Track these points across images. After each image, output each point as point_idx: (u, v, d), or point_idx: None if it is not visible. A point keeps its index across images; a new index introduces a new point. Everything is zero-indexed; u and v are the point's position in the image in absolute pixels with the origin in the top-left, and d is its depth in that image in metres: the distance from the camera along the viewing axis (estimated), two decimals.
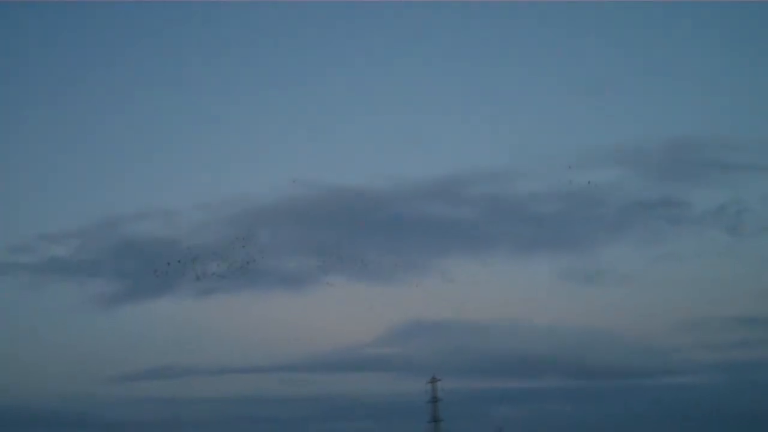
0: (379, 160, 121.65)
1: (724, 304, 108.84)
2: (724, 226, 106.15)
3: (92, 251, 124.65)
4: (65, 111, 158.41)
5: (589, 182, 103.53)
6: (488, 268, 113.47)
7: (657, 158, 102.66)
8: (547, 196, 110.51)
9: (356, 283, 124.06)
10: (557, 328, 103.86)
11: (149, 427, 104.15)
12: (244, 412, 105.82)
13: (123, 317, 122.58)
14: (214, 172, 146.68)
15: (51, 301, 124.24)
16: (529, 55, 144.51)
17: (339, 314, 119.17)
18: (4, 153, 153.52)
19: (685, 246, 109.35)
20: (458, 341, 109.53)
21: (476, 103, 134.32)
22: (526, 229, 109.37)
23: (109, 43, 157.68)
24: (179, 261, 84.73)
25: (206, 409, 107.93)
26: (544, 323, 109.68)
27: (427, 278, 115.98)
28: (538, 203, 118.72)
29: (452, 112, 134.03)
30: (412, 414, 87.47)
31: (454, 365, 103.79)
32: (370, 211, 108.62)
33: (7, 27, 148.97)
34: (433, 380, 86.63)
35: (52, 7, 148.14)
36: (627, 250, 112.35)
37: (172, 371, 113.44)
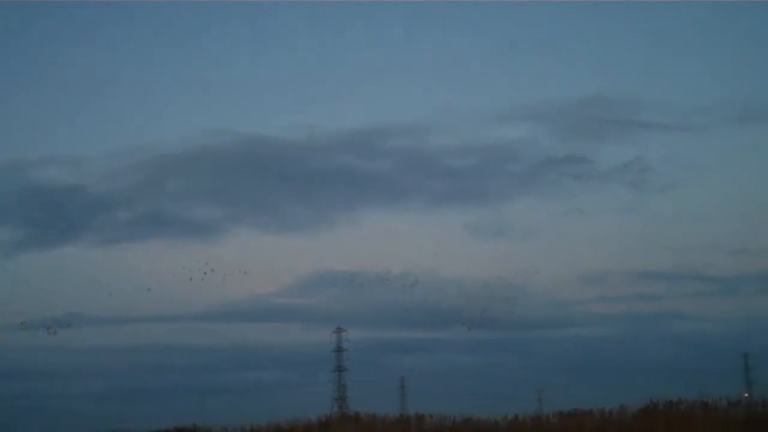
0: (294, 111, 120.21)
1: (625, 258, 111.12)
2: (628, 183, 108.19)
3: None
4: None
5: (500, 138, 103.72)
6: (400, 220, 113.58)
7: (566, 116, 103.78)
8: (460, 150, 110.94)
9: (267, 233, 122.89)
10: (464, 279, 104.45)
11: (52, 376, 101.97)
12: (153, 361, 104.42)
13: (27, 265, 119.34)
14: (124, 120, 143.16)
15: None
16: (447, 14, 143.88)
17: (249, 264, 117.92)
18: None
19: (589, 201, 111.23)
20: (366, 292, 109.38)
21: (393, 58, 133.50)
22: (438, 183, 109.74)
23: None
24: (86, 208, 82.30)
25: (113, 358, 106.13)
26: (451, 275, 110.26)
27: (338, 229, 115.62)
28: (451, 158, 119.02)
29: (369, 65, 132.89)
30: (318, 363, 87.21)
31: (361, 316, 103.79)
32: (283, 162, 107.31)
33: None
34: (339, 330, 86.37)
35: None
36: (534, 204, 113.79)
37: (76, 320, 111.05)
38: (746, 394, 41.33)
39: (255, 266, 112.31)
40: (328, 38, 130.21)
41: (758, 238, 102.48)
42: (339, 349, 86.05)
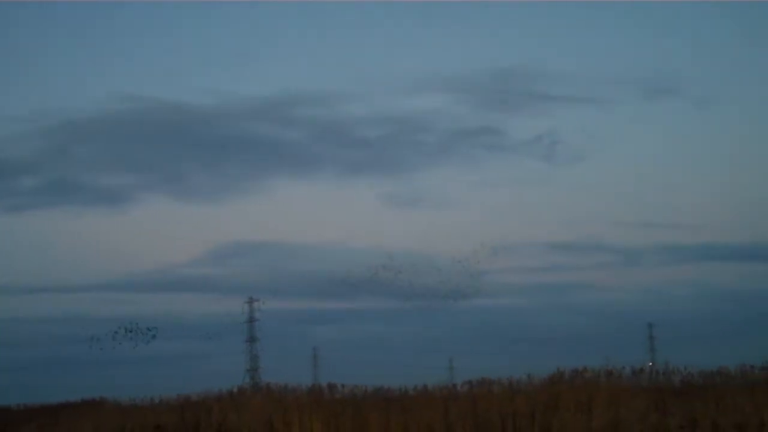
0: (205, 77, 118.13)
1: (534, 229, 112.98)
2: (539, 155, 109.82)
3: None
4: None
5: (413, 109, 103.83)
6: (311, 189, 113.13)
7: (479, 88, 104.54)
8: (372, 120, 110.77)
9: (177, 201, 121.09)
10: (377, 249, 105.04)
11: None
12: (60, 332, 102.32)
13: None
14: (29, 84, 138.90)
15: None
16: None
17: (158, 233, 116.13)
18: None
19: (501, 173, 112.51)
20: (279, 262, 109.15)
21: (305, 25, 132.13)
22: (350, 153, 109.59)
23: None
24: None
25: (17, 329, 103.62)
26: (364, 245, 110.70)
27: (250, 198, 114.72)
28: (363, 127, 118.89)
29: (281, 32, 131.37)
30: (230, 334, 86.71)
31: (274, 286, 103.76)
32: (192, 129, 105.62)
33: None
34: (251, 301, 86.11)
35: None
36: (447, 175, 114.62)
37: None
38: (650, 363, 42.51)
39: (165, 235, 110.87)
40: (239, 3, 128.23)
41: (663, 210, 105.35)
42: (251, 320, 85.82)
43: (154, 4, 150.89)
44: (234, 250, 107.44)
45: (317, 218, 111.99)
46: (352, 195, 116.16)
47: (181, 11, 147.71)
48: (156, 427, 37.89)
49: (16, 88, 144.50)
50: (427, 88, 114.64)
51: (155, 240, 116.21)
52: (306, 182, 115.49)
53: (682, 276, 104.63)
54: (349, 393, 39.42)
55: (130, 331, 64.32)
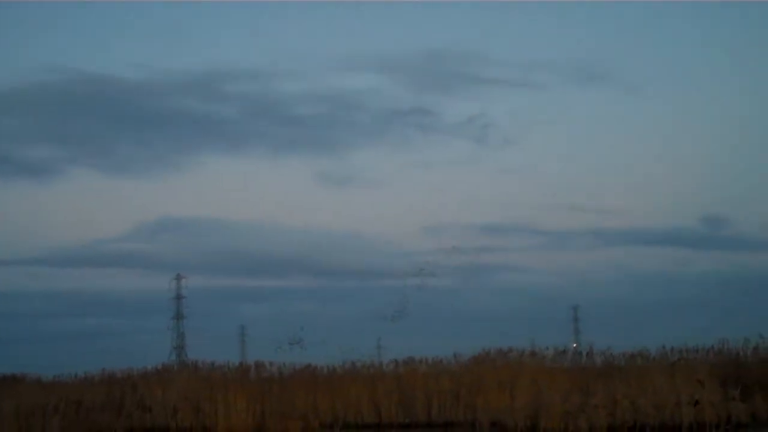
0: (134, 50, 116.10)
1: (465, 211, 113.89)
2: (471, 137, 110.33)
3: None
4: None
5: (348, 87, 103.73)
6: (243, 167, 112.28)
7: (413, 68, 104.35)
8: (306, 98, 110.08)
9: (104, 175, 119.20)
10: (308, 229, 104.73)
11: None
12: None
13: None
14: None
15: None
16: None
17: (85, 207, 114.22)
18: None
19: (434, 154, 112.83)
20: (208, 239, 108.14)
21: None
22: (283, 130, 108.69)
23: None
24: None
25: None
26: (295, 224, 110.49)
27: (180, 174, 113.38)
28: (297, 105, 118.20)
29: (213, 6, 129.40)
30: (156, 311, 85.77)
31: (202, 263, 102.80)
32: (122, 102, 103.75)
33: None
34: (179, 277, 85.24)
35: None
36: (381, 155, 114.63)
37: None
38: (574, 345, 43.24)
39: (92, 210, 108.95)
40: None
41: (591, 194, 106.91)
42: (178, 297, 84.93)
43: None
44: (162, 225, 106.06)
45: (248, 195, 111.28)
46: (285, 173, 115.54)
47: None
48: (78, 403, 37.34)
49: None
50: (362, 67, 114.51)
51: (82, 214, 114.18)
52: (238, 159, 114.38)
53: (608, 260, 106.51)
54: (277, 371, 39.36)
55: None
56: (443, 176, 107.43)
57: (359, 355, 40.31)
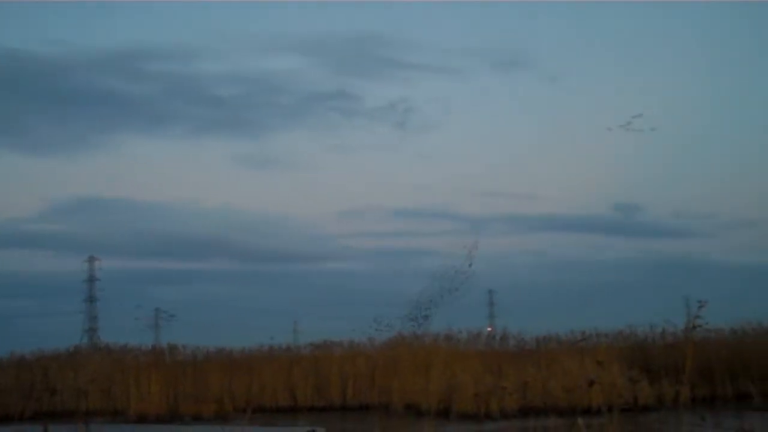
0: (50, 26, 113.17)
1: (384, 195, 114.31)
2: (392, 122, 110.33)
3: None
4: None
5: (269, 69, 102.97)
6: (162, 147, 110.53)
7: (335, 52, 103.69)
8: (227, 78, 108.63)
9: (18, 154, 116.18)
10: (227, 211, 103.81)
11: None
12: None
13: None
14: None
15: None
16: None
17: None
18: None
19: (355, 138, 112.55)
20: (124, 220, 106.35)
21: None
22: (203, 111, 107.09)
23: None
24: None
25: None
26: (214, 206, 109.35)
27: (96, 154, 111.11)
28: (217, 85, 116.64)
29: None
30: (69, 293, 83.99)
31: (118, 245, 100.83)
32: (36, 79, 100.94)
33: None
34: (91, 259, 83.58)
35: None
36: (301, 138, 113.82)
37: None
38: (489, 328, 43.86)
39: (5, 189, 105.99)
40: None
41: (508, 181, 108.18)
42: (91, 279, 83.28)
43: None
44: (77, 206, 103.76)
45: (166, 176, 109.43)
46: (204, 154, 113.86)
47: None
48: None
49: None
50: (284, 48, 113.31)
51: None
52: (156, 139, 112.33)
53: (524, 245, 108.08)
54: (191, 354, 39.03)
55: None
56: (364, 160, 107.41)
57: (275, 338, 40.30)
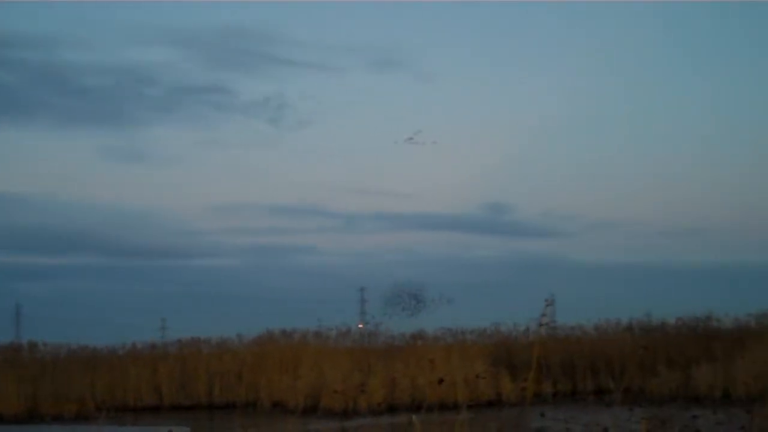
0: None
1: (257, 191, 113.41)
2: (267, 117, 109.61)
3: None
4: None
5: (139, 60, 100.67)
6: (24, 138, 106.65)
7: (209, 45, 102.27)
8: (93, 69, 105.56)
9: None
10: (95, 205, 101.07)
11: None
12: None
13: None
14: None
15: None
16: None
17: None
18: None
19: (229, 133, 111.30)
20: None
21: None
22: (68, 102, 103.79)
23: None
24: None
25: None
26: (80, 200, 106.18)
27: None
28: (83, 75, 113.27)
29: None
30: None
31: None
32: None
33: None
34: None
35: None
36: (173, 132, 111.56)
37: None
38: (359, 325, 44.06)
39: None
40: None
41: (382, 178, 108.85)
42: None
43: None
44: None
45: (29, 168, 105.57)
46: (70, 146, 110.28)
47: None
48: None
49: None
50: (156, 40, 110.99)
51: None
52: (18, 130, 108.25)
53: (395, 242, 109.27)
54: (52, 351, 37.79)
55: None
56: (236, 156, 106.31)
57: (142, 335, 39.46)
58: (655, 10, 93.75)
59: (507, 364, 31.65)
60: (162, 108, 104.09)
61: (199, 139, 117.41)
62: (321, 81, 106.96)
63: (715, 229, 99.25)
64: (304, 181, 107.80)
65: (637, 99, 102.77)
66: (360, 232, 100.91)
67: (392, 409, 30.07)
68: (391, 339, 37.10)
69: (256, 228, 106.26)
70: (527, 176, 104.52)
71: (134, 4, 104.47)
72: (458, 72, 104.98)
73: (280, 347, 33.96)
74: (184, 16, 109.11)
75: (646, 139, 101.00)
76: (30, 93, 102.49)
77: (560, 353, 33.87)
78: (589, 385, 32.84)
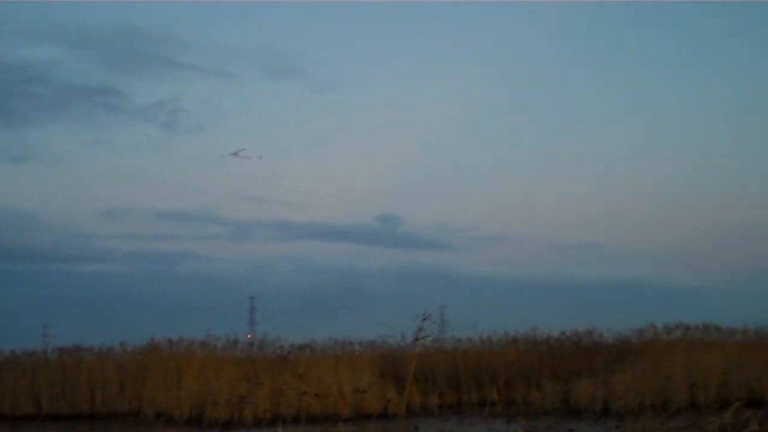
0: None
1: (150, 197, 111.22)
2: (160, 121, 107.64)
3: None
4: None
5: (27, 58, 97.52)
6: None
7: (103, 44, 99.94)
8: None
9: None
10: None
11: None
12: None
13: None
14: None
15: None
16: None
17: None
18: None
19: (121, 136, 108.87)
20: None
21: None
22: None
23: None
24: None
25: None
26: None
27: None
28: None
29: None
30: None
31: None
32: None
33: None
34: None
35: None
36: (62, 132, 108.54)
37: None
38: (248, 335, 43.62)
39: None
40: None
41: (272, 187, 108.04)
42: None
43: None
44: None
45: None
46: None
47: None
48: None
49: None
50: (47, 38, 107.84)
51: None
52: None
53: (289, 252, 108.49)
54: None
55: None
56: (128, 159, 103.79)
57: (23, 342, 38.23)
58: (546, 15, 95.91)
59: (394, 376, 31.79)
60: (53, 108, 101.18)
61: (90, 140, 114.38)
62: (217, 87, 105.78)
63: (603, 245, 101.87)
64: (197, 187, 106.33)
65: (530, 112, 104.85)
66: (252, 241, 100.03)
67: (278, 420, 29.88)
68: (279, 349, 36.81)
69: (146, 233, 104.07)
70: (422, 189, 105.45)
71: (27, 3, 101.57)
72: (356, 81, 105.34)
73: (165, 357, 33.35)
74: (78, 15, 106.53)
75: (540, 154, 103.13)
76: None
77: (447, 365, 34.24)
78: (474, 398, 33.26)
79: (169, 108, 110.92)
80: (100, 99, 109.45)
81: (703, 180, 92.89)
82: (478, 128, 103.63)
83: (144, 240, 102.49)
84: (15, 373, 34.57)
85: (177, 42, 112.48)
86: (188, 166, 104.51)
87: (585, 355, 34.55)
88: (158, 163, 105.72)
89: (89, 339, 37.57)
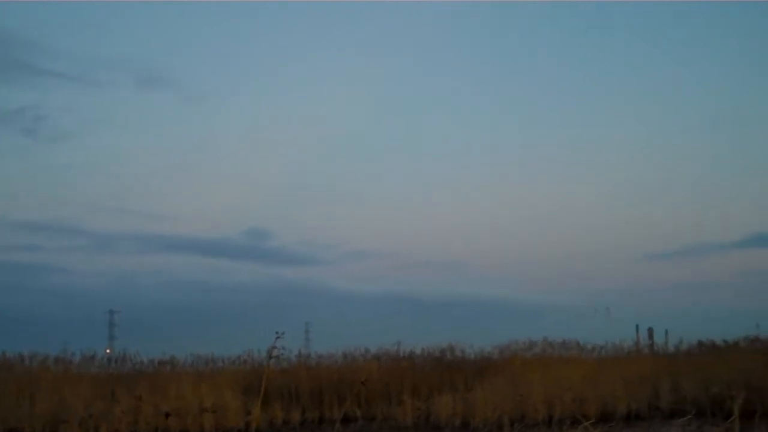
0: None
1: (9, 206, 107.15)
2: (22, 128, 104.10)
3: None
4: None
5: None
6: None
7: None
8: None
9: None
10: None
11: None
12: None
13: None
14: None
15: None
16: None
17: None
18: None
19: None
20: None
21: None
22: None
23: None
24: None
25: None
26: None
27: None
28: None
29: None
30: None
31: None
32: None
33: None
34: None
35: None
36: None
37: None
38: (107, 350, 42.52)
39: None
40: None
41: (136, 198, 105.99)
42: None
43: None
44: None
45: None
46: None
47: None
48: None
49: None
50: None
51: None
52: None
53: (152, 265, 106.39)
54: None
55: None
56: None
57: None
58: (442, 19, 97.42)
59: (257, 393, 31.53)
60: None
61: None
62: (83, 94, 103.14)
63: (469, 262, 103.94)
64: (58, 196, 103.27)
65: (399, 128, 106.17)
66: (115, 253, 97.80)
67: None
68: (138, 365, 35.99)
69: (5, 245, 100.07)
70: (289, 204, 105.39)
71: None
72: (227, 93, 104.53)
73: (16, 373, 32.09)
74: None
75: (408, 172, 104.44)
76: None
77: (310, 381, 34.18)
78: (336, 413, 33.27)
79: (31, 114, 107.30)
80: None
81: (569, 201, 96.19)
82: (347, 145, 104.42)
83: (3, 252, 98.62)
84: None
85: (42, 47, 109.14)
86: (51, 175, 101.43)
87: (446, 372, 35.07)
88: (18, 170, 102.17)
89: None
